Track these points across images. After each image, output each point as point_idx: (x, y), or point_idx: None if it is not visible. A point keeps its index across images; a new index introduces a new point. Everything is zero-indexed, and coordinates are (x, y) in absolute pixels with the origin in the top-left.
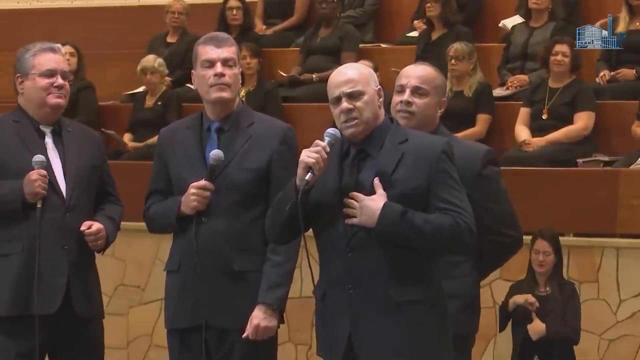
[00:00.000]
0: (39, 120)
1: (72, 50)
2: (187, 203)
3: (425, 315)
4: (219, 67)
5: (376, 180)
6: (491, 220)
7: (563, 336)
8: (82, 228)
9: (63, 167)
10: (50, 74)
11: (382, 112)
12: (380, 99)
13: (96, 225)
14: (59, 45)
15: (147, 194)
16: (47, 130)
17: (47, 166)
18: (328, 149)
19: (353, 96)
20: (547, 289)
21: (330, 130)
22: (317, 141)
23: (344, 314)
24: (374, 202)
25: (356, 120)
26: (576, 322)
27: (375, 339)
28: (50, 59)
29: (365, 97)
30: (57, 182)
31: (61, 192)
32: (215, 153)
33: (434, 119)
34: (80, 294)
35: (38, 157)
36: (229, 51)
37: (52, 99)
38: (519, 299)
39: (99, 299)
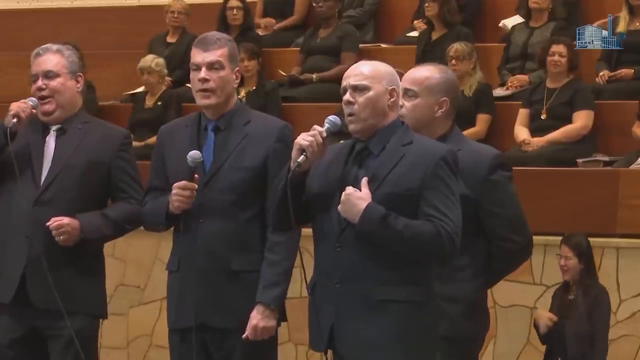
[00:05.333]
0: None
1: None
2: (172, 203)
3: (409, 316)
4: (202, 72)
5: (364, 180)
6: (497, 225)
7: (587, 341)
8: (49, 222)
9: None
10: (33, 78)
11: (393, 112)
12: (392, 99)
13: (65, 220)
14: (49, 45)
15: (145, 190)
16: (52, 129)
17: (37, 162)
18: (325, 135)
19: (357, 89)
20: (575, 294)
21: (331, 117)
22: (315, 126)
23: (329, 306)
24: (359, 201)
25: (353, 117)
26: (601, 337)
27: (355, 334)
28: (34, 63)
29: (370, 94)
30: (40, 177)
31: (39, 186)
32: (192, 154)
33: (430, 120)
34: (39, 286)
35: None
36: (215, 54)
37: (39, 106)
38: (540, 320)
39: (82, 295)
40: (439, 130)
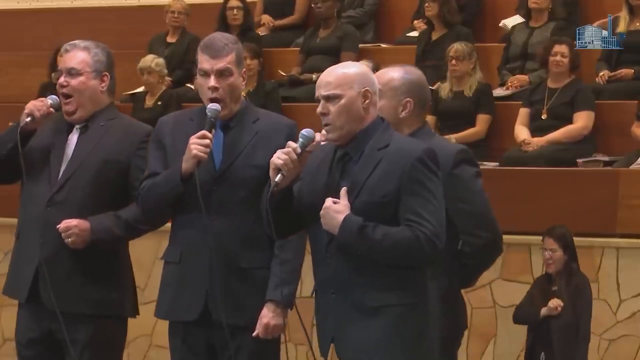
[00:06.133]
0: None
1: None
2: (187, 157)
3: (403, 319)
4: (212, 81)
5: (343, 190)
6: (461, 219)
7: (572, 331)
8: (59, 225)
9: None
10: (58, 74)
11: (370, 113)
12: (367, 101)
13: (74, 222)
14: (77, 41)
15: (143, 177)
16: (75, 127)
17: (56, 161)
18: (299, 151)
19: (328, 99)
20: (558, 285)
21: (304, 131)
22: (290, 142)
23: (328, 315)
24: (337, 214)
25: (329, 126)
26: (584, 326)
27: (353, 341)
28: (62, 59)
29: (342, 102)
30: (56, 176)
31: (54, 186)
32: (212, 107)
33: (395, 120)
34: (51, 288)
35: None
36: (224, 61)
37: (63, 106)
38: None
39: (96, 297)
40: (406, 129)
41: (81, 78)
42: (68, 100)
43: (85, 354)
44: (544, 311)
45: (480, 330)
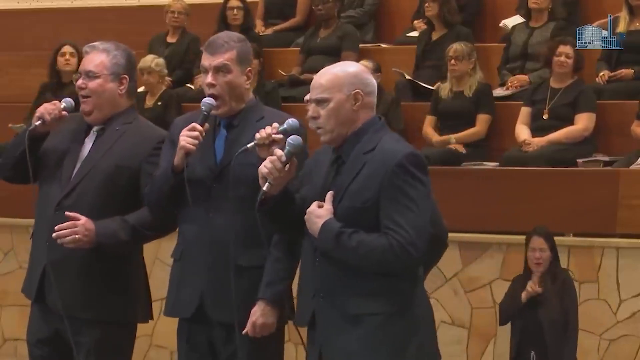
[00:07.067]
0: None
1: (72, 50)
2: (178, 148)
3: (385, 328)
4: (209, 77)
5: (328, 195)
6: None
7: (561, 328)
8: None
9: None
10: (78, 75)
11: (361, 116)
12: (357, 103)
13: (83, 220)
14: (97, 43)
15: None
16: (93, 129)
17: (69, 164)
18: (284, 159)
19: (318, 103)
20: (543, 283)
21: (291, 140)
22: (276, 150)
23: (317, 320)
24: (317, 219)
25: (320, 130)
26: (572, 321)
27: (338, 348)
28: (83, 60)
29: (331, 105)
30: (68, 180)
31: (64, 190)
32: (206, 100)
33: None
34: (57, 292)
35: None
36: (222, 57)
37: (81, 105)
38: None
39: (102, 302)
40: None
41: (98, 81)
42: (85, 100)
43: (90, 358)
44: (523, 295)
45: (480, 330)
